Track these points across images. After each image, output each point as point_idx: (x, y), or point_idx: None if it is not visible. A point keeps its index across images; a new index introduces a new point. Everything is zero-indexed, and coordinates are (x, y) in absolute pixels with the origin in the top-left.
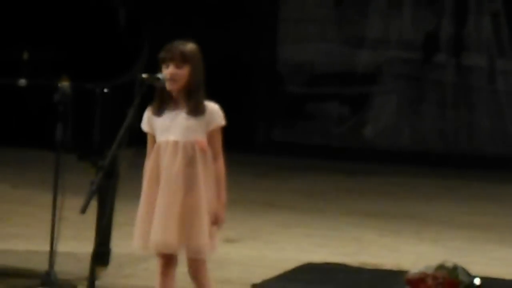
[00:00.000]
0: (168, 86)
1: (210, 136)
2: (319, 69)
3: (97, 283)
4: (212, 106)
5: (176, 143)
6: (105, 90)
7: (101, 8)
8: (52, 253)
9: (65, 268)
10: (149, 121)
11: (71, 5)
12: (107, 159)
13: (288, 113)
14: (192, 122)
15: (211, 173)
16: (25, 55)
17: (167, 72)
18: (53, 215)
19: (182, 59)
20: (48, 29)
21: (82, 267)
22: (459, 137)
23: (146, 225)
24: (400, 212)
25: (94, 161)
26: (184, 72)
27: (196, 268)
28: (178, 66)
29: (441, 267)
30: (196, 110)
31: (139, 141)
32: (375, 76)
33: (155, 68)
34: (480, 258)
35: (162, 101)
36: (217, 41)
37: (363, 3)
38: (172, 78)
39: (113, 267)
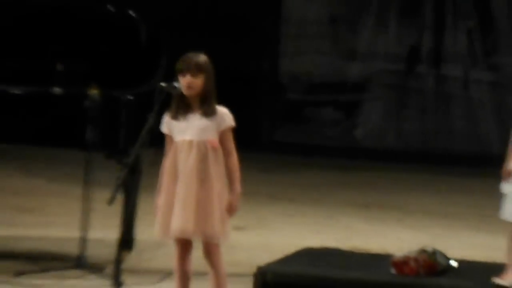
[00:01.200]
0: (186, 92)
1: (221, 136)
2: (315, 79)
3: (122, 266)
4: (222, 110)
5: (191, 142)
6: (129, 97)
7: (126, 26)
8: (83, 239)
9: (94, 253)
10: (167, 124)
11: (100, 23)
12: (131, 157)
13: (288, 117)
14: (205, 123)
15: (222, 169)
16: (59, 67)
17: (184, 80)
18: (84, 206)
19: (197, 69)
20: (80, 43)
21: (110, 252)
22: (437, 137)
23: (165, 215)
24: (386, 203)
25: (120, 159)
26: (199, 80)
27: (210, 252)
28: (194, 75)
29: (422, 251)
30: (209, 112)
31: (159, 142)
32: (365, 85)
33: (171, 77)
34: (455, 243)
35: (178, 106)
36: (228, 55)
37: (354, 21)
38: (189, 86)
39: (136, 252)
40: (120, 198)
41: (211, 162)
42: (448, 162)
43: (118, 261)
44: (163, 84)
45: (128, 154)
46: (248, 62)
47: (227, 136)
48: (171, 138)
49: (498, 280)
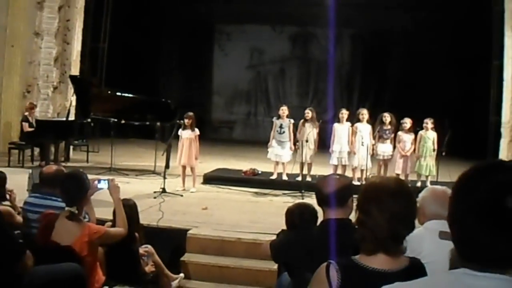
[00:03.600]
0: (186, 124)
1: (195, 136)
2: (218, 121)
3: (166, 173)
4: (196, 129)
5: (187, 138)
6: (167, 125)
7: (166, 105)
8: (155, 166)
9: (158, 169)
10: (180, 132)
11: (160, 104)
12: (169, 141)
13: (213, 132)
14: (191, 132)
15: (196, 147)
16: (149, 117)
17: (185, 120)
18: (155, 157)
19: (189, 118)
20: (154, 110)
21: (162, 168)
22: (259, 134)
23: (180, 157)
24: (239, 154)
25: (166, 142)
26: (190, 121)
27: (192, 168)
28: (188, 119)
29: (251, 168)
30: (193, 130)
31: (176, 137)
32: (231, 125)
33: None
34: (265, 167)
35: (184, 127)
36: (195, 113)
37: (229, 105)
38: (187, 122)
39: (170, 169)
40: (165, 154)
41: (193, 144)
42: (259, 143)
43: (165, 171)
44: (178, 121)
45: (168, 141)
46: (201, 115)
47: (197, 137)
48: (181, 136)
49: (272, 176)
